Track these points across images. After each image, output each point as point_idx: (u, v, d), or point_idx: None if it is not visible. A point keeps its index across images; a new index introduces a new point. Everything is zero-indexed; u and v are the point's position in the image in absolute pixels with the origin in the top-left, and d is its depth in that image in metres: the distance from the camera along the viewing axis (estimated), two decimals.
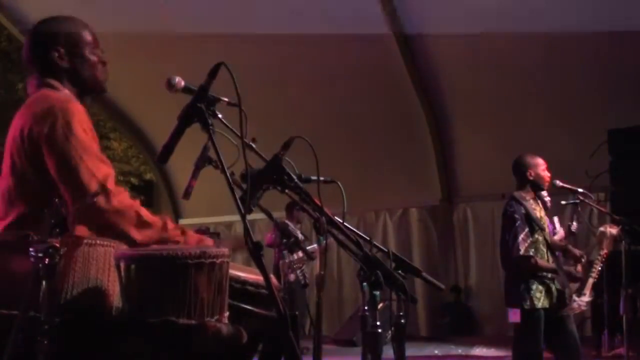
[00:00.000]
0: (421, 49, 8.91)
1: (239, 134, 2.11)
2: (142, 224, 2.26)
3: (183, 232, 2.37)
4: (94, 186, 2.20)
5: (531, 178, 4.81)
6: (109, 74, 2.55)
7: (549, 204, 5.10)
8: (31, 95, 2.43)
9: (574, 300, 4.74)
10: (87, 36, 2.51)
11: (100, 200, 2.19)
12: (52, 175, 2.25)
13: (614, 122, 7.84)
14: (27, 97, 2.47)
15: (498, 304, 6.69)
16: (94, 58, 2.49)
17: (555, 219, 5.54)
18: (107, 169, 2.27)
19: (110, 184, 2.23)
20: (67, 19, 2.55)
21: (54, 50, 2.44)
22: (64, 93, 2.41)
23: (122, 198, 2.25)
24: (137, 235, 2.24)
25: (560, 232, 5.58)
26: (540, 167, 4.84)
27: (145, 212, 2.29)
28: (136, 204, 2.30)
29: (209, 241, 2.40)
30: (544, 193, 4.99)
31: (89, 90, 2.51)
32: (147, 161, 13.91)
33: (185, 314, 2.09)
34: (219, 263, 2.15)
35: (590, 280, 4.94)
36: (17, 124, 2.34)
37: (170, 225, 2.34)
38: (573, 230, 5.42)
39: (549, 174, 4.86)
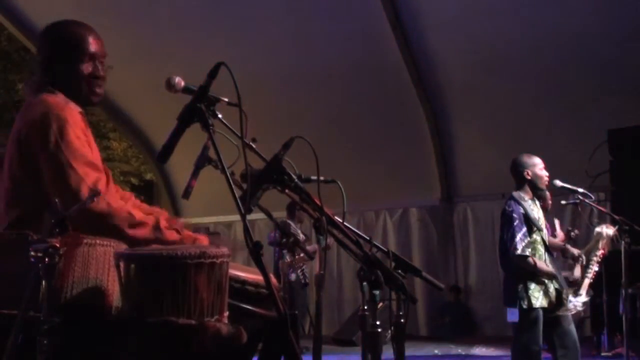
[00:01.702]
0: (422, 49, 8.90)
1: (239, 134, 2.12)
2: (134, 224, 2.27)
3: (179, 232, 2.37)
4: (84, 191, 2.22)
5: (529, 178, 4.80)
6: (103, 88, 2.53)
7: (549, 207, 5.09)
8: (30, 98, 2.45)
9: (570, 301, 4.75)
10: (90, 47, 2.49)
11: (91, 204, 2.19)
12: (45, 181, 2.28)
13: (614, 122, 7.85)
14: (25, 98, 2.48)
15: (498, 304, 6.70)
16: (86, 70, 2.47)
17: (556, 221, 5.54)
18: (97, 174, 2.29)
19: (101, 187, 2.24)
20: (77, 25, 2.54)
21: (54, 55, 2.46)
22: (61, 97, 2.42)
23: (112, 200, 2.26)
24: (132, 233, 2.25)
25: (560, 234, 5.57)
26: (538, 166, 4.83)
27: (137, 212, 2.31)
28: (128, 204, 2.32)
29: (204, 240, 2.40)
30: (547, 194, 4.98)
31: (76, 100, 2.47)
32: (147, 161, 13.90)
33: (185, 314, 2.09)
34: (218, 263, 2.16)
35: (587, 281, 4.95)
36: (16, 127, 2.39)
37: (163, 223, 2.33)
38: (573, 237, 5.43)
39: (547, 173, 4.86)
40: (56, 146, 2.27)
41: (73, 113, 2.36)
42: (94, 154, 2.35)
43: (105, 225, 2.23)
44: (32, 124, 2.33)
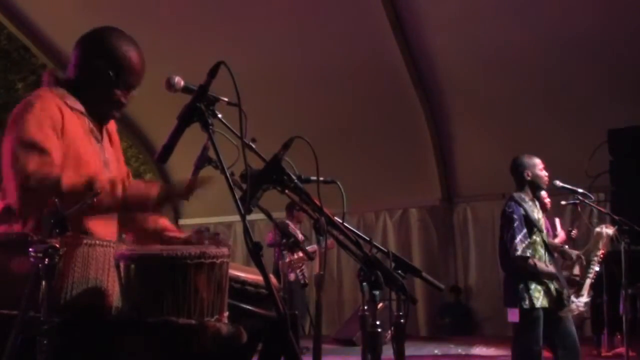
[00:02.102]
0: (421, 49, 8.90)
1: (238, 134, 2.12)
2: (40, 179, 2.17)
3: (124, 190, 2.24)
4: (18, 171, 2.17)
5: (529, 178, 4.80)
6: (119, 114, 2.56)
7: (548, 206, 5.09)
8: None
9: (572, 302, 4.74)
10: (134, 80, 2.55)
11: (23, 182, 2.16)
12: None
13: (614, 122, 7.85)
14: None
15: (498, 304, 6.69)
16: (117, 96, 2.49)
17: (557, 221, 5.54)
18: (36, 157, 2.20)
19: (32, 167, 2.16)
20: (137, 53, 2.61)
21: (101, 64, 2.47)
22: (53, 92, 2.40)
23: (43, 175, 2.17)
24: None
25: (561, 234, 5.58)
26: (538, 166, 4.82)
27: (68, 181, 2.18)
28: (56, 176, 2.19)
29: (153, 189, 2.33)
30: (544, 194, 4.97)
31: (92, 110, 2.47)
32: (147, 161, 13.89)
33: (185, 314, 2.09)
34: (218, 263, 2.16)
35: (588, 281, 4.94)
36: None
37: (67, 180, 2.20)
38: (573, 236, 5.42)
39: (547, 173, 4.85)
40: (10, 132, 2.26)
41: (44, 102, 2.33)
42: (49, 139, 2.26)
43: (37, 200, 2.14)
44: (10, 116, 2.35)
